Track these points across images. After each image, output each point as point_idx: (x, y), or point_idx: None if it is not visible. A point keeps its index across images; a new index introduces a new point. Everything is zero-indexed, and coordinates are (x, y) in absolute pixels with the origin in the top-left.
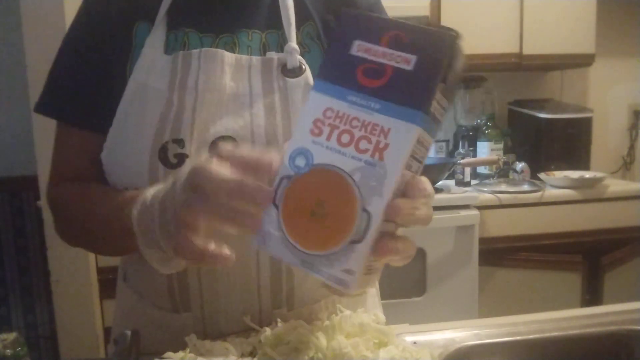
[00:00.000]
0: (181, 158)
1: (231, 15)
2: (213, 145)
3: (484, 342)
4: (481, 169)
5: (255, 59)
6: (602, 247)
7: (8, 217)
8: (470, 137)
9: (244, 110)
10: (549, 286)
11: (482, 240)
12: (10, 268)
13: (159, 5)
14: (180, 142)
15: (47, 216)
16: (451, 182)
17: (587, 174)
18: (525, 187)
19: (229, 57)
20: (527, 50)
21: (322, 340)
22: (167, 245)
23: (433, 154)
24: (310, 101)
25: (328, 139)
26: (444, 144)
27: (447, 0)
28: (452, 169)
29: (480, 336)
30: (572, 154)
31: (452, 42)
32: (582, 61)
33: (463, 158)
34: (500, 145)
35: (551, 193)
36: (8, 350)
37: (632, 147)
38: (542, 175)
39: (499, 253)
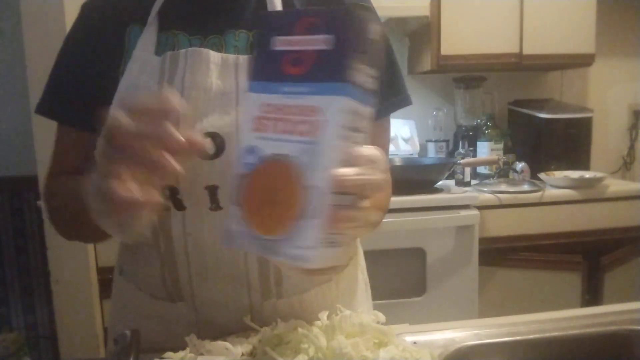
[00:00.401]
0: None
1: (218, 17)
2: None
3: (484, 342)
4: (481, 169)
5: (242, 58)
6: (602, 247)
7: (8, 217)
8: (470, 137)
9: (230, 107)
10: (549, 286)
11: (482, 240)
12: (10, 268)
13: (150, 8)
14: None
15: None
16: (451, 182)
17: (587, 174)
18: (525, 187)
19: (214, 56)
20: (527, 50)
21: (322, 340)
22: (102, 203)
23: (433, 154)
24: (247, 102)
25: (273, 131)
26: (444, 144)
27: (447, 0)
28: (452, 169)
29: (480, 336)
30: (572, 154)
31: (360, 14)
32: (582, 61)
33: (463, 158)
34: (500, 145)
35: (551, 193)
36: (8, 350)
37: (632, 147)
38: (542, 175)
39: (499, 253)
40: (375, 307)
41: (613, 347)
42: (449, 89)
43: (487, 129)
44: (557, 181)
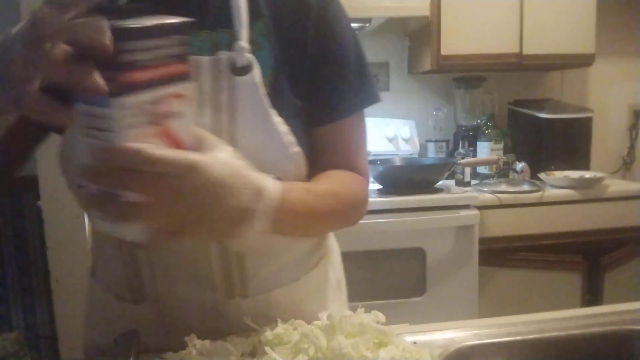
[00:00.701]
0: None
1: (180, 17)
2: None
3: (484, 342)
4: (481, 169)
5: (204, 59)
6: (602, 247)
7: (8, 217)
8: (470, 137)
9: (205, 108)
10: (549, 286)
11: (482, 240)
12: (10, 268)
13: None
14: None
15: (47, 216)
16: (451, 182)
17: (587, 174)
18: (525, 187)
19: None
20: (527, 50)
21: (322, 340)
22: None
23: (433, 154)
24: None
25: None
26: (444, 144)
27: (447, 0)
28: (452, 169)
29: (480, 336)
30: (572, 154)
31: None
32: (582, 61)
33: (463, 158)
34: (500, 145)
35: (551, 193)
36: (8, 350)
37: (632, 147)
38: (542, 175)
39: (499, 253)
40: (375, 307)
41: (613, 347)
42: (449, 89)
43: (487, 129)
44: (557, 181)
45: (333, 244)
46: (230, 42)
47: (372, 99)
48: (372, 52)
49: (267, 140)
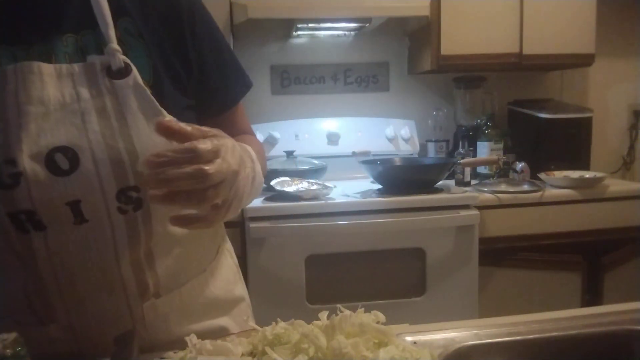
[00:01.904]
0: (16, 177)
1: (38, 22)
2: (48, 158)
3: (484, 342)
4: (481, 169)
5: (77, 66)
6: (602, 247)
7: None
8: (470, 137)
9: (75, 117)
10: (549, 286)
11: (482, 240)
12: None
13: None
14: (12, 162)
15: None
16: (451, 182)
17: (587, 174)
18: (525, 187)
19: (47, 67)
20: (527, 50)
21: (322, 340)
22: None
23: (433, 154)
24: None
25: None
26: (444, 144)
27: (447, 0)
28: (452, 169)
29: (480, 336)
30: (572, 154)
31: None
32: (582, 61)
33: (463, 158)
34: (500, 145)
35: (551, 193)
36: (8, 350)
37: (632, 147)
38: (542, 175)
39: (499, 253)
40: (375, 307)
41: (613, 347)
42: (449, 89)
43: (487, 129)
44: (557, 181)
45: (223, 232)
46: (97, 45)
47: (249, 84)
48: (372, 52)
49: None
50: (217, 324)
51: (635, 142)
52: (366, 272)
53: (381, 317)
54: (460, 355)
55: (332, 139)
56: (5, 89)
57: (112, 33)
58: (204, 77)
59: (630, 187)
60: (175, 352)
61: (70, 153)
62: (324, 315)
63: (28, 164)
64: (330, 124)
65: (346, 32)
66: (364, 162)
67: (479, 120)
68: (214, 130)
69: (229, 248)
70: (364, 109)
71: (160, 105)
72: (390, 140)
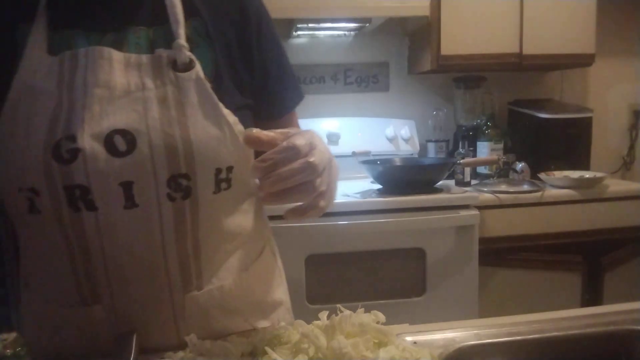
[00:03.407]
0: (74, 152)
1: (115, 12)
2: (108, 138)
3: (484, 342)
4: (481, 169)
5: (145, 57)
6: (602, 247)
7: (8, 217)
8: (470, 137)
9: (138, 104)
10: (549, 286)
11: (482, 240)
12: (10, 268)
13: (37, 4)
14: (72, 138)
15: None
16: (451, 182)
17: (587, 174)
18: (525, 187)
19: (117, 54)
20: (527, 50)
21: (322, 340)
22: None
23: (433, 154)
24: None
25: None
26: (444, 144)
27: (447, 0)
28: (452, 169)
29: (480, 336)
30: (572, 154)
31: None
32: (582, 61)
33: (463, 158)
34: (500, 145)
35: (551, 193)
36: (8, 350)
37: (632, 147)
38: (542, 175)
39: (499, 253)
40: (375, 307)
41: (613, 347)
42: (449, 89)
43: (487, 129)
44: (557, 181)
45: (269, 234)
46: (166, 39)
47: (302, 94)
48: (372, 52)
49: (219, 130)
50: (255, 327)
51: (635, 142)
52: (366, 272)
53: (381, 317)
54: (460, 355)
55: (332, 139)
56: (76, 71)
57: (181, 31)
58: (264, 82)
59: (630, 187)
60: (175, 352)
61: (129, 136)
62: (324, 315)
63: (88, 142)
64: (330, 124)
65: (346, 32)
66: (364, 162)
67: (479, 120)
68: (291, 129)
69: (273, 250)
70: (364, 109)
71: (219, 99)
72: (390, 140)
